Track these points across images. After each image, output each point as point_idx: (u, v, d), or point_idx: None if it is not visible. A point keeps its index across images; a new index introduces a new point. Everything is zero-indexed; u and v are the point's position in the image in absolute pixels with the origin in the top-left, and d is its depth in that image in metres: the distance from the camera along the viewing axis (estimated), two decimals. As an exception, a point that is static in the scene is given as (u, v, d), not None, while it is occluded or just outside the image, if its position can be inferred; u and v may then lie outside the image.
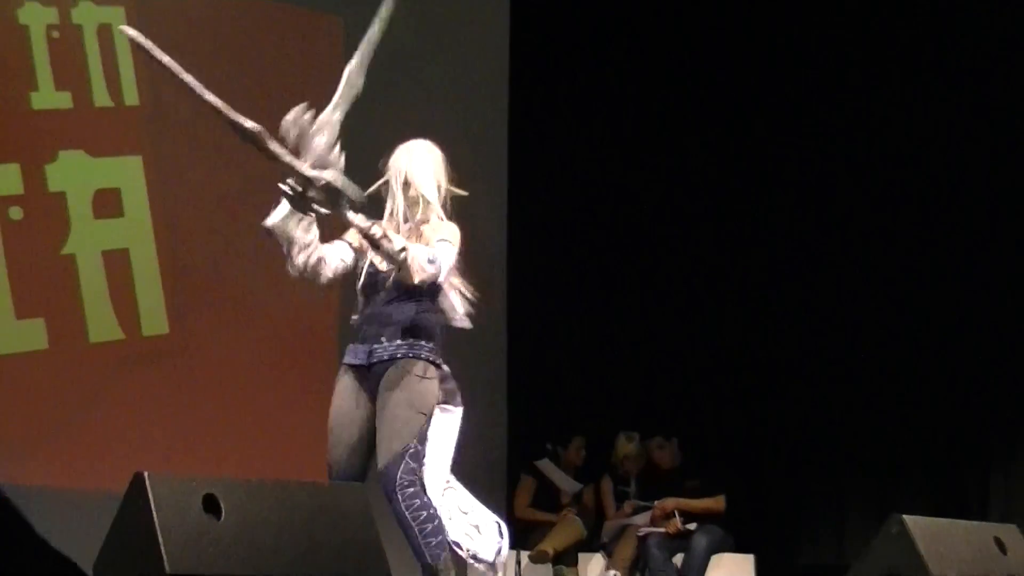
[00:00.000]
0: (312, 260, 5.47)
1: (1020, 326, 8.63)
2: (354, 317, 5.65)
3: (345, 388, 5.64)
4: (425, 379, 5.63)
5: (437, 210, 5.66)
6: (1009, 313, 8.68)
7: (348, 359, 5.65)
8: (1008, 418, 8.60)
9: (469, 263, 9.23)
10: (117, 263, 8.41)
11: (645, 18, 10.26)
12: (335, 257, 5.57)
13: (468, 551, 5.72)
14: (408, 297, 5.58)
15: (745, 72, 9.98)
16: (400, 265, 5.33)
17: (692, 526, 8.87)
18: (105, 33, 8.50)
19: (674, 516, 8.93)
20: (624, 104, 10.39)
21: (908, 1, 9.32)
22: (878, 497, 8.87)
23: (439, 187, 5.66)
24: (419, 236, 5.57)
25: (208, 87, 8.77)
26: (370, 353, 5.58)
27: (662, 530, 8.90)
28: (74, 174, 8.38)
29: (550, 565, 8.99)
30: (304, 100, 9.06)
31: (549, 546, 8.96)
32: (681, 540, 8.87)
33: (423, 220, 5.64)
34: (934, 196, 9.11)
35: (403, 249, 5.31)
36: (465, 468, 9.28)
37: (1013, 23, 8.82)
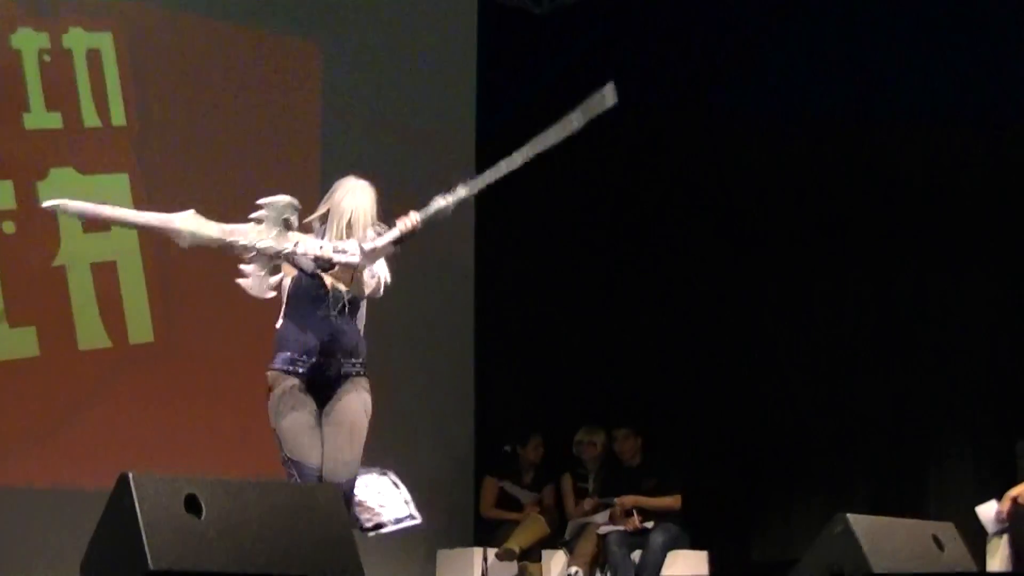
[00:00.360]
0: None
1: (951, 337, 8.68)
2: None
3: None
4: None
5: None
6: (942, 321, 8.73)
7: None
8: (941, 423, 8.68)
9: (438, 266, 9.40)
10: (105, 275, 8.46)
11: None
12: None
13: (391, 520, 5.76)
14: (353, 316, 5.79)
15: (711, 75, 10.01)
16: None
17: (650, 524, 8.92)
18: (94, 57, 8.57)
19: (633, 514, 8.99)
20: (595, 63, 10.45)
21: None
22: (824, 496, 8.94)
23: (375, 229, 5.75)
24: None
25: (191, 108, 8.90)
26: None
27: (621, 528, 8.96)
28: (64, 190, 8.36)
29: (516, 562, 9.03)
30: (281, 122, 9.21)
31: (515, 544, 9.00)
32: (639, 537, 8.93)
33: None
34: (882, 209, 9.13)
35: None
36: (433, 467, 9.41)
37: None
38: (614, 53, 10.45)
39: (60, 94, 8.45)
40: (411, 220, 5.69)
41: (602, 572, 8.99)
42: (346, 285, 5.75)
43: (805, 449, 9.21)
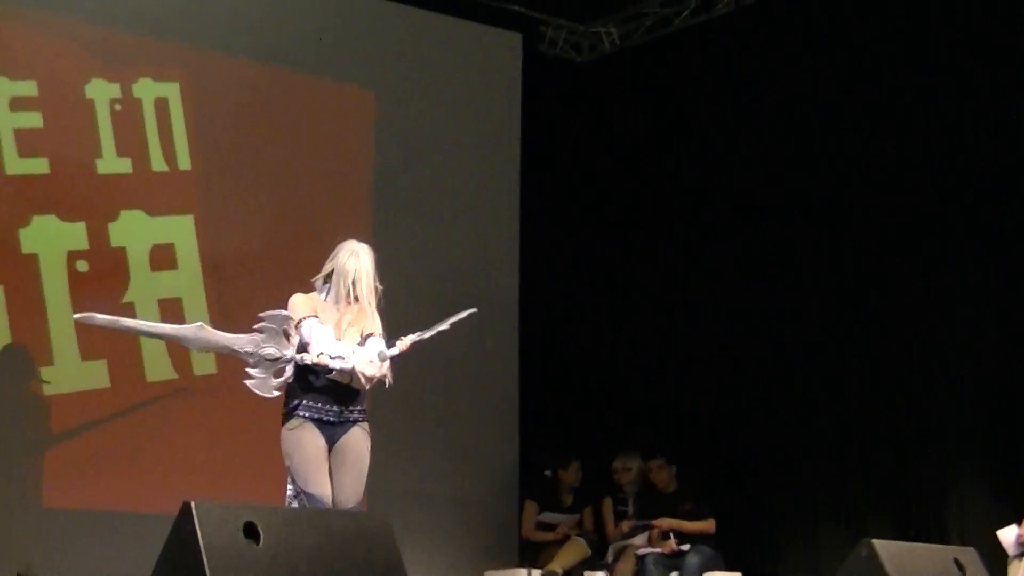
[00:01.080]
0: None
1: (970, 364, 8.55)
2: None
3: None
4: None
5: (373, 306, 6.18)
6: (963, 348, 8.60)
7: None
8: (961, 449, 8.55)
9: (482, 296, 9.40)
10: (171, 310, 8.44)
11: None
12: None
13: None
14: None
15: (742, 77, 9.95)
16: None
17: (685, 546, 8.85)
18: (161, 106, 8.60)
19: (669, 536, 8.92)
20: (634, 110, 10.45)
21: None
22: (850, 520, 8.83)
23: (377, 289, 6.20)
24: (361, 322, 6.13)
25: (252, 152, 8.92)
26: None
27: (658, 550, 8.88)
28: (133, 231, 8.44)
29: (558, 583, 8.97)
30: (336, 164, 9.21)
31: (557, 565, 8.94)
32: (675, 559, 8.85)
33: (360, 310, 6.15)
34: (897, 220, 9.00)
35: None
36: (479, 490, 9.35)
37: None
38: (653, 98, 10.43)
39: (130, 140, 8.49)
40: (408, 341, 6.11)
41: (640, 592, 8.91)
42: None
43: (832, 476, 9.10)
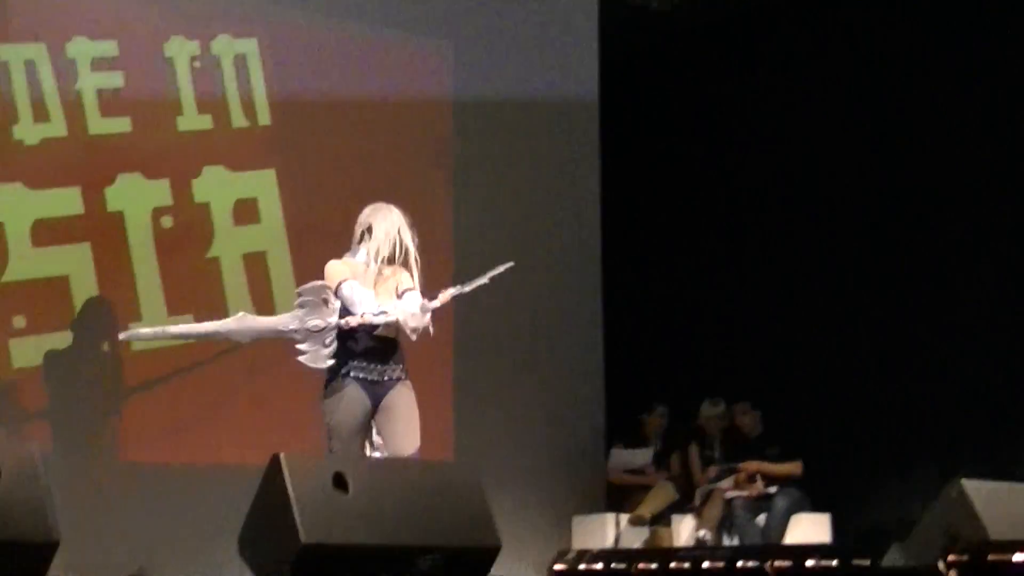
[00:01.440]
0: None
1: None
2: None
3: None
4: None
5: (413, 261, 6.24)
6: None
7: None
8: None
9: (564, 236, 9.40)
10: (256, 264, 8.53)
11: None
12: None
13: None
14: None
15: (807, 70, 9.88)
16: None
17: (773, 489, 8.85)
18: (240, 62, 8.64)
19: (756, 480, 8.91)
20: (713, 95, 10.37)
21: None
22: (942, 458, 8.76)
23: (408, 248, 6.22)
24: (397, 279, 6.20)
25: (331, 106, 8.95)
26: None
27: (746, 493, 8.88)
28: (216, 187, 8.50)
29: (647, 527, 8.99)
30: (415, 117, 9.23)
31: (645, 510, 8.98)
32: (763, 501, 8.85)
33: (395, 269, 6.22)
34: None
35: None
36: (566, 436, 9.38)
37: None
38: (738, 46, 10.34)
39: (210, 98, 8.54)
40: (448, 294, 6.10)
41: (728, 535, 8.91)
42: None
43: (923, 412, 9.04)
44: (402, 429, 6.12)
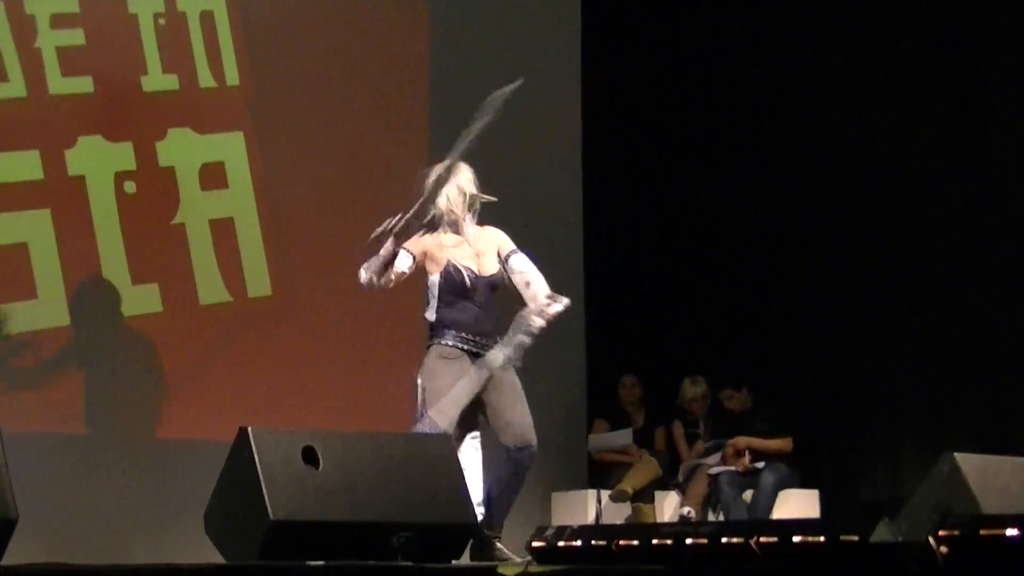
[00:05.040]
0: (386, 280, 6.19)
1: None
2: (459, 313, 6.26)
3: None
4: None
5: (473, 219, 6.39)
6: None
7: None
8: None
9: (544, 208, 9.40)
10: (223, 231, 8.52)
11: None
12: (400, 269, 6.19)
13: None
14: (492, 302, 6.41)
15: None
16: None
17: (760, 464, 8.88)
18: (208, 19, 8.61)
19: (744, 455, 8.95)
20: (695, 71, 10.35)
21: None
22: (932, 434, 8.82)
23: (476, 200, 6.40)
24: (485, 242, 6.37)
25: (303, 66, 8.92)
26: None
27: (732, 468, 8.92)
28: (182, 150, 8.49)
29: (629, 503, 9.02)
30: (390, 79, 9.21)
31: (628, 485, 8.99)
32: (750, 477, 8.89)
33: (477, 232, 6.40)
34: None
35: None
36: (546, 410, 9.39)
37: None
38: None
39: (176, 56, 8.51)
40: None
41: (714, 512, 8.96)
42: (486, 274, 6.32)
43: (913, 388, 9.08)
44: (523, 412, 6.44)
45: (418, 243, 6.21)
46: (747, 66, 10.15)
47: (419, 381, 6.19)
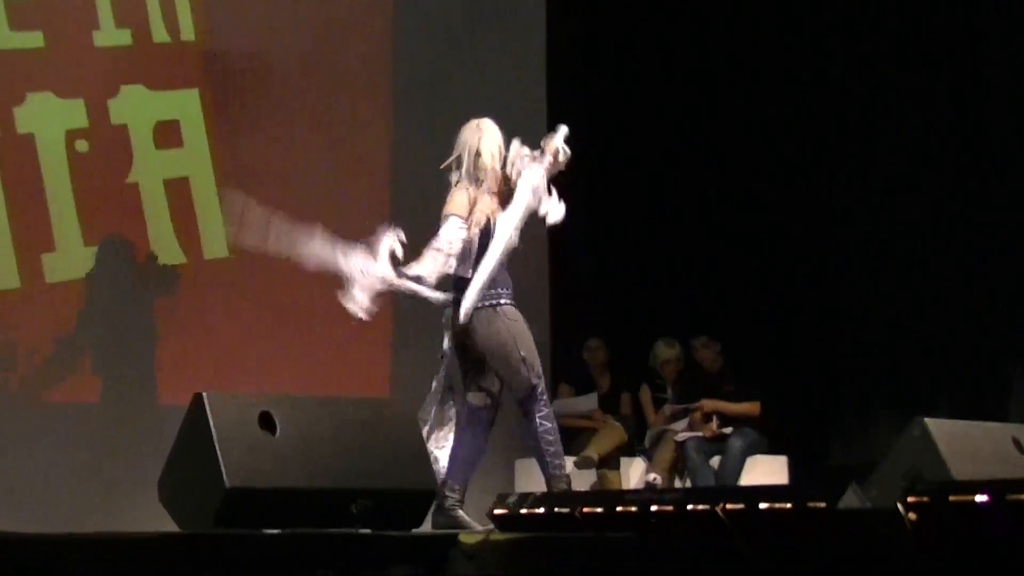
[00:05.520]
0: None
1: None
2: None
3: None
4: None
5: (498, 177, 6.36)
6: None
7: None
8: (1021, 324, 8.53)
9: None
10: (178, 191, 8.45)
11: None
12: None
13: None
14: None
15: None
16: None
17: (728, 430, 8.86)
18: (162, -28, 8.52)
19: (712, 419, 8.92)
20: (664, 29, 10.31)
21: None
22: (902, 399, 8.82)
23: (502, 157, 6.34)
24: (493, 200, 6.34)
25: (261, 22, 8.81)
26: None
27: (700, 434, 8.89)
28: (135, 107, 8.41)
29: (594, 470, 8.99)
30: (353, 38, 9.10)
31: (593, 451, 8.94)
32: (718, 443, 8.86)
33: (488, 186, 6.36)
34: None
35: None
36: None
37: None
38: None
39: (129, 10, 8.41)
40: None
41: (681, 479, 8.92)
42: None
43: (884, 353, 9.09)
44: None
45: (461, 206, 6.27)
46: (718, 37, 10.14)
47: (505, 345, 6.25)
